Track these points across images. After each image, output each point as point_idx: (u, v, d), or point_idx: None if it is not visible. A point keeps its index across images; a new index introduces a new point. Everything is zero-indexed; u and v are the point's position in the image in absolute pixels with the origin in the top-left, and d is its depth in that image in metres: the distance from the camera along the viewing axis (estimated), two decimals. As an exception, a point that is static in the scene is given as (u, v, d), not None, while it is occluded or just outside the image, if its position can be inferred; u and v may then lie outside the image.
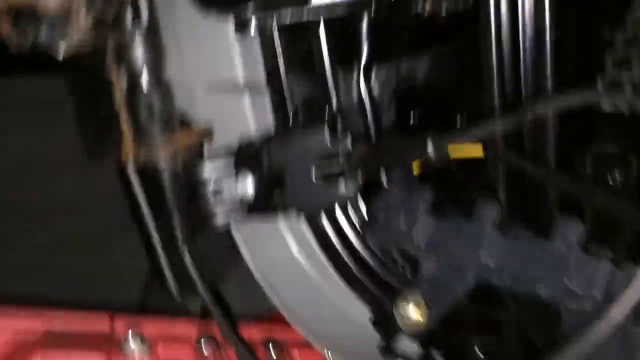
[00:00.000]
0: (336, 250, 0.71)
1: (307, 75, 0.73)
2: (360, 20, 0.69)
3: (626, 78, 0.37)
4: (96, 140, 0.61)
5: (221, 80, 0.68)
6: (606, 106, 0.38)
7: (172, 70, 0.66)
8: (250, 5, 0.57)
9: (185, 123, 0.68)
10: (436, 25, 0.60)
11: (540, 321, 0.50)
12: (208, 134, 0.65)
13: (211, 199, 0.61)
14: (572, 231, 0.41)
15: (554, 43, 0.50)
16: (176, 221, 0.58)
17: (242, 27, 0.63)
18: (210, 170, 0.62)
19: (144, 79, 0.59)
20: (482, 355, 0.65)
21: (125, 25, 0.56)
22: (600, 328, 0.35)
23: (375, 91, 0.75)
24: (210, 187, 0.61)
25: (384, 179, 0.70)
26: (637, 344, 0.41)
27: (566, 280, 0.40)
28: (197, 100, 0.70)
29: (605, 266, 0.39)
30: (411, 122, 0.75)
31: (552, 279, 0.41)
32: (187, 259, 0.58)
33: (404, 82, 0.73)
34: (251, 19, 0.60)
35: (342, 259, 0.71)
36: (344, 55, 0.74)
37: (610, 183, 0.48)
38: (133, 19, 0.57)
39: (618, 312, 0.34)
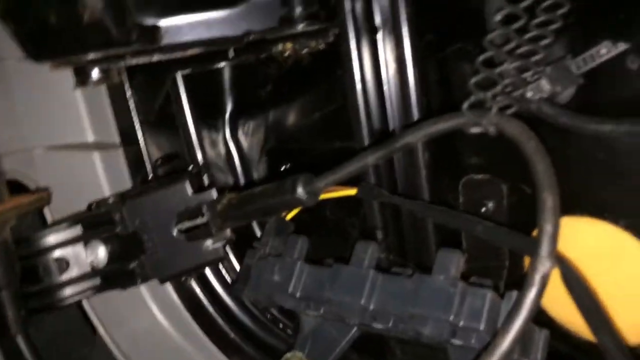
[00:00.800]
0: (209, 315, 0.64)
1: (168, 130, 0.68)
2: (223, 69, 0.66)
3: (490, 97, 0.36)
4: None
5: (65, 139, 0.61)
6: (473, 129, 0.36)
7: (1, 127, 0.57)
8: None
9: (19, 187, 0.59)
10: (300, 73, 0.58)
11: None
12: (47, 198, 0.56)
13: (55, 271, 0.52)
14: (451, 263, 0.39)
15: (418, 76, 0.50)
16: (8, 300, 0.48)
17: (82, 76, 0.56)
18: (54, 239, 0.53)
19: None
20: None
21: None
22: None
23: (244, 144, 0.72)
24: (54, 258, 0.52)
25: (258, 229, 0.67)
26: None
27: (451, 315, 0.37)
28: (34, 162, 0.62)
29: (488, 296, 0.37)
30: (283, 173, 0.72)
31: (435, 315, 0.38)
32: (23, 345, 0.48)
33: (273, 134, 0.70)
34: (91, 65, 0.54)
35: (217, 324, 0.65)
36: (209, 107, 0.70)
37: (483, 210, 0.47)
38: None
39: (505, 343, 0.32)
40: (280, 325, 0.68)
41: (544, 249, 0.32)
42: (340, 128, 0.55)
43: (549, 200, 0.33)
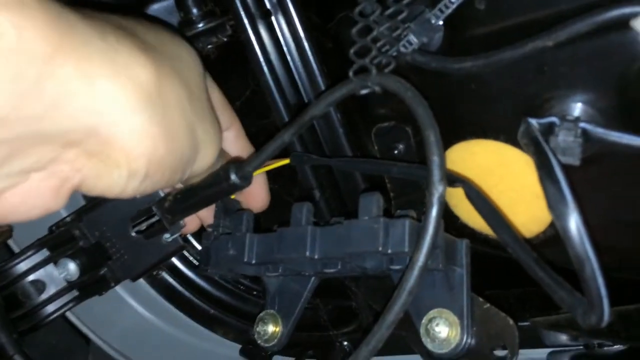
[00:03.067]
0: (186, 298, 0.71)
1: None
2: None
3: (368, 61, 0.42)
4: None
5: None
6: (362, 91, 0.42)
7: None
8: None
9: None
10: (212, 67, 0.62)
11: (380, 293, 0.55)
12: (10, 230, 0.61)
13: (34, 293, 0.57)
14: (372, 204, 0.46)
15: (314, 49, 0.55)
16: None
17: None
18: (25, 265, 0.58)
19: None
20: (352, 348, 0.69)
21: None
22: (413, 274, 0.39)
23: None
24: (29, 282, 0.57)
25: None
26: (457, 280, 0.46)
27: (380, 246, 0.43)
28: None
29: (407, 222, 0.43)
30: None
31: (369, 250, 0.44)
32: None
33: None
34: None
35: (195, 305, 0.71)
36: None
37: (396, 152, 0.54)
38: None
39: (421, 257, 0.39)
40: (254, 293, 0.75)
41: (435, 175, 0.39)
42: (261, 108, 0.61)
43: (431, 136, 0.39)
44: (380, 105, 0.54)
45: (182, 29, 0.54)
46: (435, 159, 0.39)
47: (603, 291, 0.33)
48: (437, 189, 0.39)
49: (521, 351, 0.46)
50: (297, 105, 0.58)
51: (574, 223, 0.33)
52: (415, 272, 0.39)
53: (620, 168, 0.43)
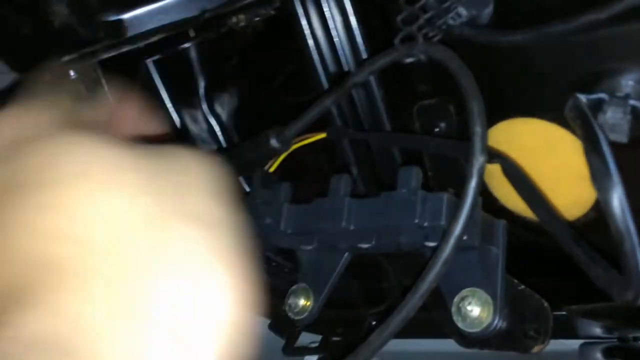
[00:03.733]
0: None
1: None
2: (189, 49, 0.71)
3: (416, 29, 0.42)
4: None
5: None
6: (407, 60, 0.42)
7: None
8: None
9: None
10: (258, 41, 0.63)
11: (413, 269, 0.54)
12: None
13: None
14: (411, 177, 0.45)
15: (361, 23, 0.55)
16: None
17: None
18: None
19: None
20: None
21: None
22: (449, 243, 0.38)
23: (223, 115, 0.77)
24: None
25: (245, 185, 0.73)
26: (492, 260, 0.46)
27: (416, 219, 0.43)
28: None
29: (445, 197, 0.43)
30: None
31: (405, 223, 0.44)
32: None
33: (247, 101, 0.75)
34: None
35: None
36: (183, 87, 0.75)
37: (437, 130, 0.53)
38: None
39: (457, 228, 0.38)
40: (286, 270, 0.75)
41: (477, 146, 0.39)
42: (303, 82, 0.61)
43: (475, 107, 0.39)
44: (424, 81, 0.53)
45: (231, 1, 0.55)
46: (477, 130, 0.39)
47: (643, 266, 0.32)
48: (478, 159, 0.39)
49: (553, 341, 0.45)
50: (337, 76, 0.58)
51: (616, 196, 0.33)
52: (452, 241, 0.39)
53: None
